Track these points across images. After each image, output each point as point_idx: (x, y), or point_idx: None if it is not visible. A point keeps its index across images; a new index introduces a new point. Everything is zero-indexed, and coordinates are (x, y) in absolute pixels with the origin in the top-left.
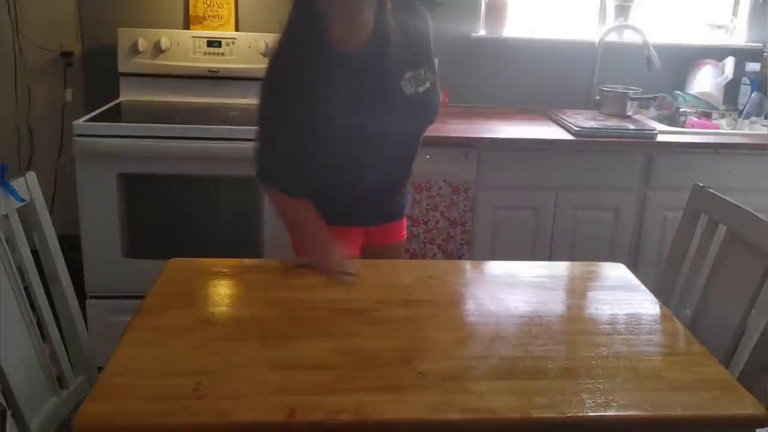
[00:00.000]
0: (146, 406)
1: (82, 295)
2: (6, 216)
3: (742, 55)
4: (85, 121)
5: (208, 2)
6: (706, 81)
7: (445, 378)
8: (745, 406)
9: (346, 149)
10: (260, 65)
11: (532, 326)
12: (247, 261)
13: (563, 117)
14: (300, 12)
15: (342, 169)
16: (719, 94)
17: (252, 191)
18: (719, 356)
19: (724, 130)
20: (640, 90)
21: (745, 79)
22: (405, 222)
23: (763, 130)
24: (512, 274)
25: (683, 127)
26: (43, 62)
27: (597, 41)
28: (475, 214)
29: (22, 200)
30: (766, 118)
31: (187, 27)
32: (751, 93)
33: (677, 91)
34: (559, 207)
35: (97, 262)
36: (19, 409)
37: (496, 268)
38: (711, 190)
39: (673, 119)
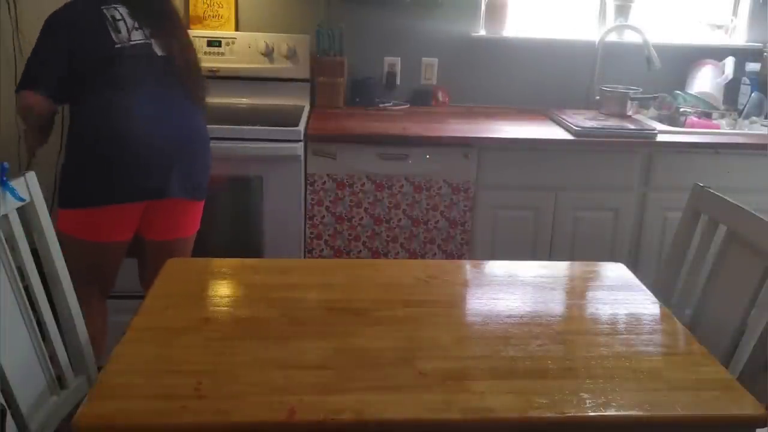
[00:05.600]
0: (146, 405)
1: None
2: (6, 216)
3: (742, 55)
4: None
5: (208, 2)
6: (706, 81)
7: (445, 378)
8: (745, 406)
9: None
10: (260, 65)
11: (532, 326)
12: (247, 261)
13: (563, 117)
14: None
15: None
16: (719, 94)
17: (252, 191)
18: (719, 356)
19: (724, 130)
20: (640, 90)
21: (745, 79)
22: None
23: (763, 130)
24: (512, 274)
25: (683, 127)
26: None
27: (597, 41)
28: (475, 214)
29: (22, 200)
30: (766, 118)
31: (187, 26)
32: (751, 93)
33: (677, 91)
34: (559, 207)
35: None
36: (19, 409)
37: (496, 268)
38: (711, 190)
39: (673, 119)
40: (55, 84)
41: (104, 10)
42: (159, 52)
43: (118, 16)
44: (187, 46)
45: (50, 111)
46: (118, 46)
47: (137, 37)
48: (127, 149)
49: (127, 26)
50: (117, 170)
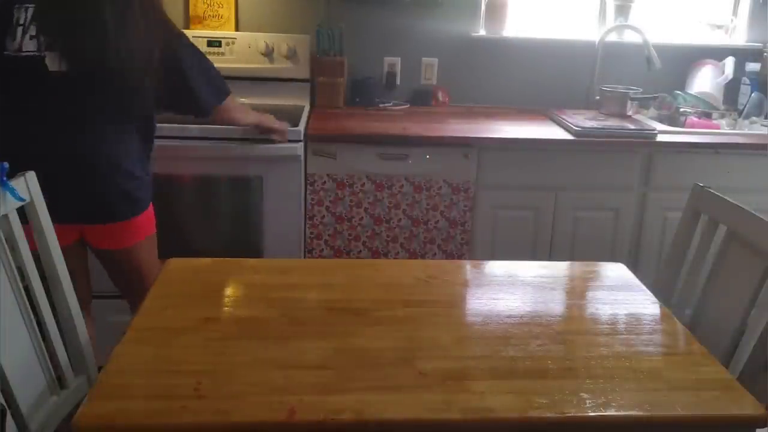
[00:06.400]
0: (146, 406)
1: None
2: (6, 216)
3: (742, 55)
4: None
5: (208, 2)
6: (706, 81)
7: (445, 378)
8: (745, 406)
9: None
10: (260, 65)
11: (532, 326)
12: (247, 261)
13: (563, 117)
14: None
15: None
16: (719, 94)
17: (252, 191)
18: (719, 356)
19: (724, 130)
20: (640, 90)
21: (745, 79)
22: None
23: (763, 130)
24: (512, 274)
25: (683, 127)
26: None
27: (597, 41)
28: (475, 214)
29: (22, 200)
30: (766, 118)
31: (187, 27)
32: (751, 93)
33: (677, 91)
34: (559, 207)
35: (97, 261)
36: (19, 409)
37: (496, 268)
38: (711, 190)
39: (673, 119)
40: None
41: (15, 10)
42: (54, 66)
43: (21, 20)
44: (124, 57)
45: None
46: (8, 54)
47: (29, 47)
48: (14, 171)
49: (23, 32)
50: None
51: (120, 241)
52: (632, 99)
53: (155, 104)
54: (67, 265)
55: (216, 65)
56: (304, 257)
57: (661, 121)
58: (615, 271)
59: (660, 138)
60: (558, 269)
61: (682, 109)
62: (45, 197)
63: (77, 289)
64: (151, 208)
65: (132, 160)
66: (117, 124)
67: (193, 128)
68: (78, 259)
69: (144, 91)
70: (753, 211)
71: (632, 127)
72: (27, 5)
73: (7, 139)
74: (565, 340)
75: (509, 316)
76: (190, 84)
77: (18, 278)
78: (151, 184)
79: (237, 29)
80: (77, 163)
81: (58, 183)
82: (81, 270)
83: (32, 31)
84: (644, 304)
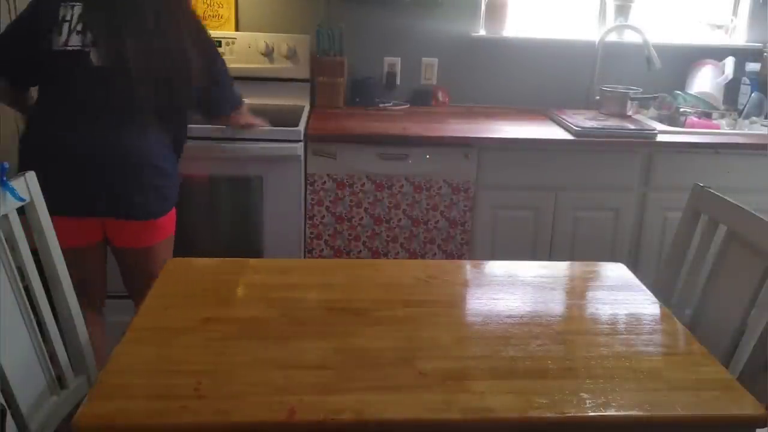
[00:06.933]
0: (146, 405)
1: None
2: (6, 216)
3: (742, 55)
4: None
5: (208, 2)
6: (706, 81)
7: (445, 378)
8: (745, 406)
9: None
10: (260, 65)
11: (532, 326)
12: (247, 261)
13: (563, 117)
14: None
15: None
16: (719, 94)
17: (252, 191)
18: (719, 356)
19: (724, 130)
20: (640, 90)
21: (745, 79)
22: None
23: (763, 130)
24: (512, 274)
25: (683, 127)
26: None
27: (597, 41)
28: (475, 214)
29: (22, 200)
30: (766, 118)
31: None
32: (751, 93)
33: (677, 91)
34: (559, 207)
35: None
36: (19, 409)
37: (496, 268)
38: (711, 190)
39: (673, 119)
40: (13, 68)
41: (61, 8)
42: (98, 61)
43: (68, 17)
44: (163, 57)
45: (8, 94)
46: (55, 49)
47: (74, 42)
48: (50, 163)
49: (69, 29)
50: (45, 183)
51: (142, 240)
52: (632, 99)
53: (193, 104)
54: (86, 266)
55: None
56: (304, 257)
57: (661, 121)
58: (615, 271)
59: (660, 138)
60: (558, 269)
61: (682, 109)
62: (72, 188)
63: (93, 291)
64: (174, 210)
65: (165, 158)
66: (154, 122)
67: (194, 128)
68: (98, 261)
69: (182, 90)
70: (753, 211)
71: (632, 127)
72: (73, 3)
73: (45, 129)
74: (565, 340)
75: (509, 316)
76: (220, 88)
77: (18, 278)
78: (179, 186)
79: (237, 29)
80: (112, 154)
81: (90, 173)
82: (100, 271)
83: (79, 27)
84: (644, 304)
